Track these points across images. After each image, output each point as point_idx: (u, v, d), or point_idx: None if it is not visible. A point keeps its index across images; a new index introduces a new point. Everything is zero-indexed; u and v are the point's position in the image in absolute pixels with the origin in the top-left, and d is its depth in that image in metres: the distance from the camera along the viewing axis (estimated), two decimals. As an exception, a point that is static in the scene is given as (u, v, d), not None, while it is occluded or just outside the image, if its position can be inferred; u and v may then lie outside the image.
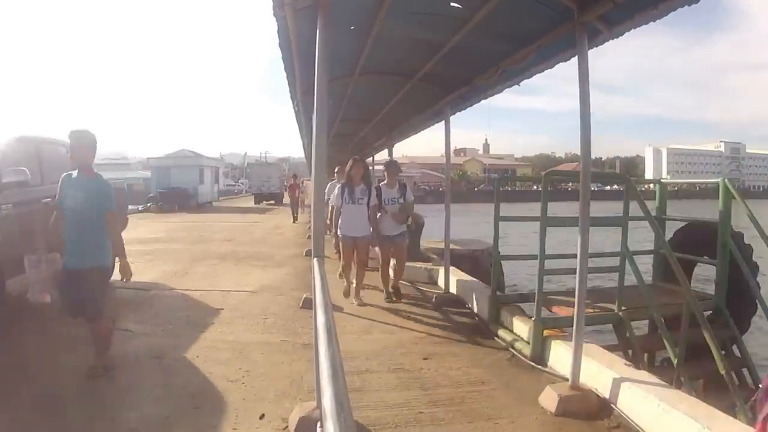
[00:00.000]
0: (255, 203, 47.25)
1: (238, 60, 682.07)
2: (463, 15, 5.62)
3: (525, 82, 7.10)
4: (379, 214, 8.84)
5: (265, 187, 49.34)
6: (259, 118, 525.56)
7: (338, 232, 8.97)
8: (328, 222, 9.45)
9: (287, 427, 4.25)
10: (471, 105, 9.12)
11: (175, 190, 37.07)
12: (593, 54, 5.12)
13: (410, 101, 9.82)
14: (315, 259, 4.01)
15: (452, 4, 5.41)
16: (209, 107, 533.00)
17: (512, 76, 7.10)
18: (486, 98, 8.43)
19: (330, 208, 9.47)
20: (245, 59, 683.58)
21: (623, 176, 7.41)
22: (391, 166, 9.41)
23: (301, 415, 4.12)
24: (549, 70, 6.40)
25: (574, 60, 4.99)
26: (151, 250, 14.65)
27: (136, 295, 8.98)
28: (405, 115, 11.59)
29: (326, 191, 9.69)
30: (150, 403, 4.69)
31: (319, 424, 3.45)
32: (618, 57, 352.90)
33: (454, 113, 9.53)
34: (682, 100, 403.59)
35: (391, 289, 9.08)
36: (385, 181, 9.17)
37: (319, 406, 3.51)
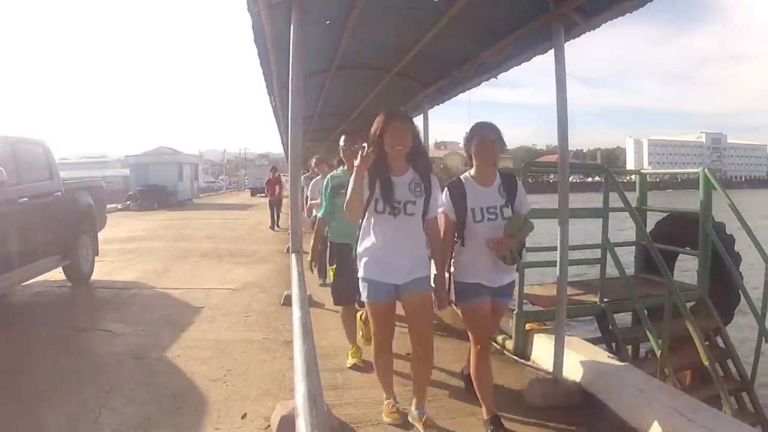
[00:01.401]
0: (251, 195, 52.41)
1: (216, 56, 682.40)
2: (439, 8, 5.61)
3: (507, 75, 7.14)
4: (457, 243, 4.33)
5: (258, 182, 52.80)
6: (239, 113, 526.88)
7: (360, 275, 4.15)
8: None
9: (269, 426, 4.24)
10: (449, 98, 9.12)
11: (154, 188, 37.06)
12: (573, 46, 5.12)
13: (389, 95, 9.77)
14: (293, 255, 4.00)
15: None
16: (188, 104, 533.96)
17: (489, 69, 7.11)
18: (464, 91, 8.46)
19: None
20: (224, 55, 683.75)
21: (603, 167, 7.44)
22: (486, 130, 4.37)
23: (283, 414, 4.10)
24: (527, 63, 6.42)
25: (553, 52, 4.99)
26: (131, 249, 14.62)
27: (117, 294, 9.01)
28: (384, 109, 11.59)
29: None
30: (132, 403, 4.68)
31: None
32: (599, 49, 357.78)
33: (432, 107, 9.54)
34: (663, 91, 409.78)
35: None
36: (471, 171, 4.43)
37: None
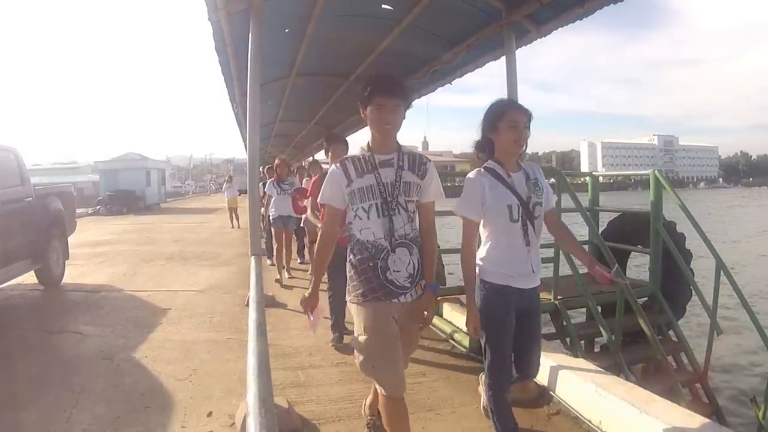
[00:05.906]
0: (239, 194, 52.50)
1: (183, 64, 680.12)
2: (394, 17, 5.74)
3: (463, 80, 7.28)
4: None
5: (242, 187, 54.73)
6: (204, 120, 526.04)
7: None
8: None
9: (234, 423, 4.29)
10: (406, 104, 9.20)
11: (123, 193, 37.32)
12: (528, 53, 5.31)
13: (346, 101, 9.93)
14: (252, 258, 4.11)
15: (384, 6, 5.53)
16: (156, 110, 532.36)
17: (444, 76, 7.29)
18: (420, 97, 8.62)
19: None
20: (190, 63, 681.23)
21: (554, 170, 7.53)
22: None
23: (246, 411, 4.18)
24: (485, 68, 6.56)
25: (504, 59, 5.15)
26: (100, 253, 14.66)
27: (87, 297, 9.06)
28: (342, 115, 11.69)
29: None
30: (102, 403, 4.73)
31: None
32: (554, 55, 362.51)
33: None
34: (616, 95, 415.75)
35: None
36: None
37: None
